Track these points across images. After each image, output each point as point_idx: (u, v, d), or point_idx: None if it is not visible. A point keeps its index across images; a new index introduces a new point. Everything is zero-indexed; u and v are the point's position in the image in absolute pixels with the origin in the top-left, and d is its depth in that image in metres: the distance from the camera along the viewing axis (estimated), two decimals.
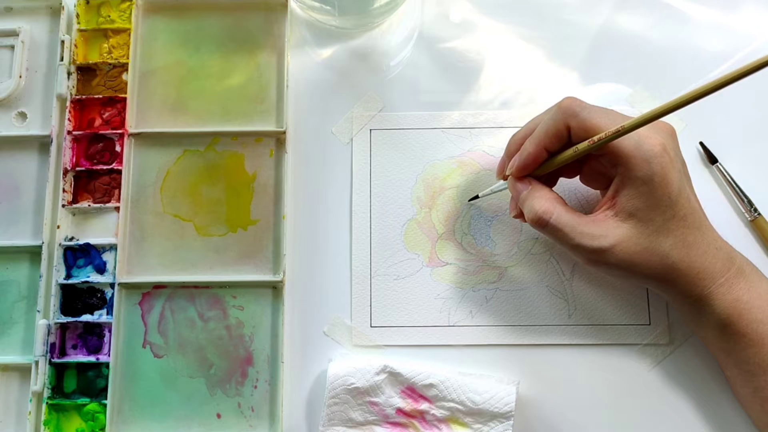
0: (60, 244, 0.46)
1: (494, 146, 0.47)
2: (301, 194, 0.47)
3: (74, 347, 0.45)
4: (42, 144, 0.48)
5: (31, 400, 0.44)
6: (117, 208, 0.46)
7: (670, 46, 0.49)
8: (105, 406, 0.43)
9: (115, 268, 0.45)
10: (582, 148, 0.38)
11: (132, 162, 0.47)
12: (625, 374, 0.44)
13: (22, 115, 0.48)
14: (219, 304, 0.45)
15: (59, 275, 0.45)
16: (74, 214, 0.47)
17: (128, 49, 0.48)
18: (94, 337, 0.45)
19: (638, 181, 0.37)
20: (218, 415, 0.44)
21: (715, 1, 0.49)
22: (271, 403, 0.44)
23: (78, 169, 0.47)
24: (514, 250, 0.46)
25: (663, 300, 0.44)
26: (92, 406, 0.44)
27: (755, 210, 0.45)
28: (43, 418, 0.43)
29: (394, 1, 0.47)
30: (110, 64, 0.48)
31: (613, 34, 0.49)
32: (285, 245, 0.45)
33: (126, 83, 0.48)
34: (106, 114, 0.48)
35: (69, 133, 0.47)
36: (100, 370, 0.45)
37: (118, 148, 0.47)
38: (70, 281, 0.45)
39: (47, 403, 0.44)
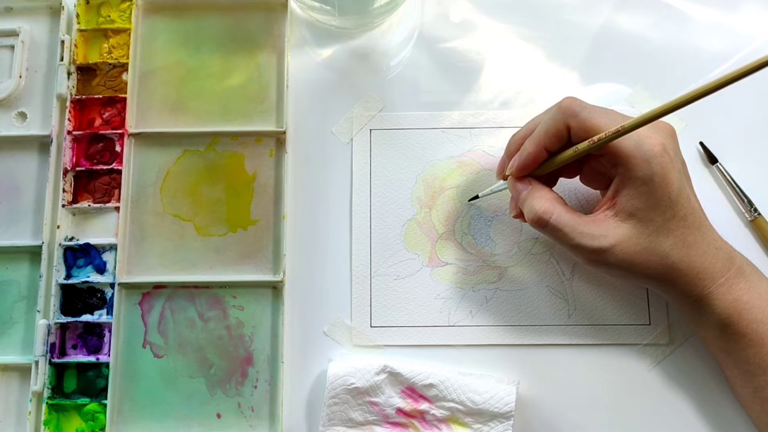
0: (60, 244, 0.46)
1: (494, 146, 0.47)
2: (301, 194, 0.47)
3: (74, 347, 0.45)
4: (42, 144, 0.48)
5: (31, 400, 0.44)
6: (117, 208, 0.46)
7: (670, 46, 0.49)
8: (105, 406, 0.43)
9: (115, 268, 0.45)
10: (582, 148, 0.38)
11: (132, 162, 0.47)
12: (625, 374, 0.44)
13: (22, 115, 0.48)
14: (219, 304, 0.45)
15: (59, 275, 0.45)
16: (74, 214, 0.47)
17: (128, 49, 0.48)
18: (94, 337, 0.45)
19: (638, 181, 0.37)
20: (218, 415, 0.44)
21: (715, 1, 0.49)
22: (271, 403, 0.44)
23: (78, 169, 0.47)
24: (514, 250, 0.46)
25: (663, 300, 0.44)
26: (92, 406, 0.44)
27: (755, 210, 0.45)
28: (43, 418, 0.43)
29: (394, 1, 0.47)
30: (110, 64, 0.48)
31: (613, 34, 0.49)
32: (285, 245, 0.45)
33: (126, 83, 0.48)
34: (106, 114, 0.48)
35: (69, 133, 0.47)
36: (100, 370, 0.45)
37: (118, 148, 0.47)
38: (70, 281, 0.45)
39: (47, 403, 0.44)
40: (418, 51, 0.49)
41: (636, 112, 0.47)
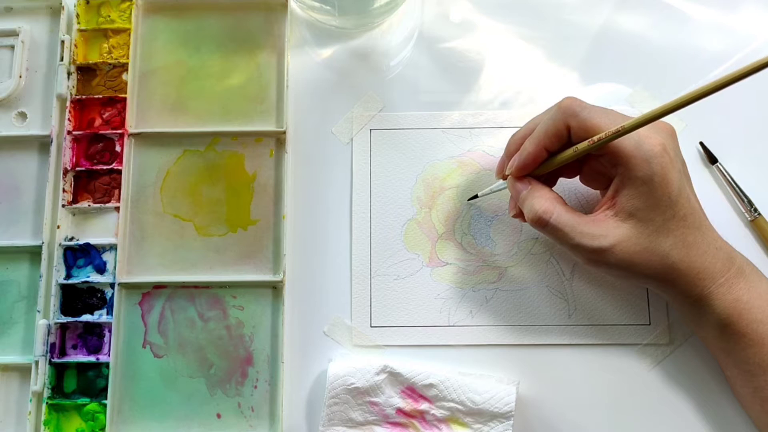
0: (60, 244, 0.46)
1: (494, 146, 0.47)
2: (301, 194, 0.47)
3: (74, 347, 0.45)
4: (42, 144, 0.48)
5: (31, 400, 0.44)
6: (117, 208, 0.46)
7: (670, 46, 0.49)
8: (105, 406, 0.43)
9: (115, 268, 0.45)
10: (582, 148, 0.38)
11: (132, 162, 0.47)
12: (625, 374, 0.44)
13: (22, 115, 0.48)
14: (219, 304, 0.45)
15: (59, 275, 0.45)
16: (74, 214, 0.47)
17: (128, 49, 0.48)
18: (94, 337, 0.45)
19: (638, 181, 0.37)
20: (218, 415, 0.44)
21: (715, 1, 0.49)
22: (271, 403, 0.44)
23: (78, 169, 0.47)
24: (514, 250, 0.46)
25: (663, 300, 0.44)
26: (92, 406, 0.44)
27: (755, 210, 0.45)
28: (43, 418, 0.43)
29: (394, 1, 0.47)
30: (110, 64, 0.48)
31: (613, 34, 0.49)
32: (285, 245, 0.45)
33: (126, 83, 0.48)
34: (106, 114, 0.48)
35: (69, 133, 0.47)
36: (100, 370, 0.45)
37: (118, 148, 0.47)
38: (70, 281, 0.45)
39: (47, 403, 0.44)
40: (418, 51, 0.49)
41: (636, 112, 0.47)
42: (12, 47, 0.49)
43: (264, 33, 0.49)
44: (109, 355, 0.44)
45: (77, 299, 0.45)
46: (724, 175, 0.46)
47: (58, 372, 0.44)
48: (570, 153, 0.39)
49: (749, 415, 0.42)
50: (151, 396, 0.44)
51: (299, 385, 0.44)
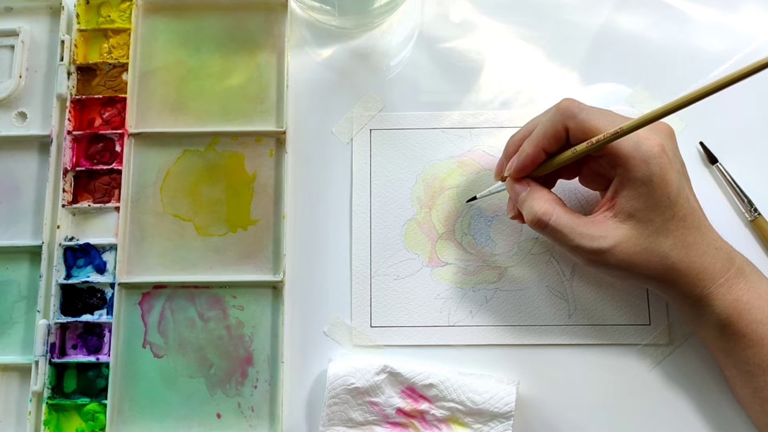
0: (60, 244, 0.46)
1: (494, 146, 0.47)
2: (301, 194, 0.47)
3: (74, 347, 0.45)
4: (42, 144, 0.48)
5: (31, 400, 0.44)
6: (117, 208, 0.46)
7: (670, 46, 0.49)
8: (105, 406, 0.43)
9: (115, 268, 0.45)
10: (580, 150, 0.38)
11: (132, 162, 0.47)
12: (625, 374, 0.44)
13: (22, 115, 0.48)
14: (219, 304, 0.45)
15: (59, 275, 0.45)
16: (74, 214, 0.47)
17: (128, 49, 0.48)
18: (94, 337, 0.45)
19: (637, 182, 0.37)
20: (218, 415, 0.44)
21: (715, 1, 0.49)
22: (271, 403, 0.44)
23: (78, 169, 0.47)
24: (514, 250, 0.46)
25: (663, 300, 0.44)
26: (92, 406, 0.44)
27: (755, 210, 0.45)
28: (43, 418, 0.43)
29: (394, 1, 0.47)
30: (110, 64, 0.48)
31: (613, 34, 0.49)
32: (285, 245, 0.45)
33: (126, 83, 0.48)
34: (106, 114, 0.48)
35: (69, 133, 0.47)
36: (100, 370, 0.45)
37: (118, 148, 0.47)
38: (70, 281, 0.45)
39: (47, 403, 0.44)
40: (418, 51, 0.49)
41: (636, 112, 0.47)
42: (12, 47, 0.49)
43: (264, 33, 0.49)
44: (109, 355, 0.44)
45: (77, 299, 0.45)
46: (724, 175, 0.46)
47: (58, 372, 0.44)
48: (568, 154, 0.39)
49: (749, 415, 0.42)
50: (151, 396, 0.44)
51: (299, 385, 0.44)
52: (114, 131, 0.47)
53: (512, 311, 0.45)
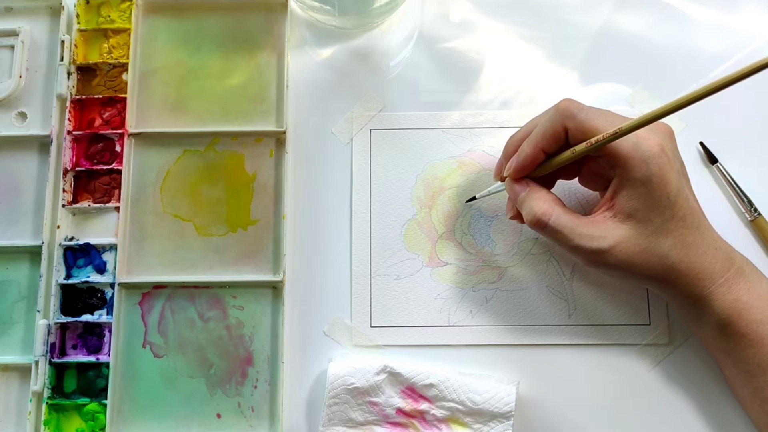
0: (60, 244, 0.46)
1: (494, 146, 0.47)
2: (301, 194, 0.47)
3: (74, 347, 0.45)
4: (42, 144, 0.48)
5: (31, 400, 0.44)
6: (117, 208, 0.46)
7: (670, 46, 0.49)
8: (105, 406, 0.43)
9: (115, 268, 0.45)
10: (580, 150, 0.38)
11: (132, 162, 0.47)
12: (625, 374, 0.44)
13: (22, 115, 0.48)
14: (219, 304, 0.45)
15: (59, 275, 0.45)
16: (74, 214, 0.47)
17: (128, 49, 0.48)
18: (94, 337, 0.45)
19: (636, 182, 0.37)
20: (218, 415, 0.44)
21: (715, 1, 0.49)
22: (271, 403, 0.44)
23: (78, 169, 0.47)
24: (514, 250, 0.46)
25: (663, 300, 0.44)
26: (92, 406, 0.44)
27: (755, 210, 0.45)
28: (43, 418, 0.43)
29: (394, 1, 0.47)
30: (110, 64, 0.48)
31: (613, 34, 0.49)
32: (285, 245, 0.45)
33: (126, 83, 0.48)
34: (106, 114, 0.48)
35: (69, 133, 0.47)
36: (100, 370, 0.45)
37: (118, 148, 0.47)
38: (70, 281, 0.45)
39: (47, 403, 0.44)
40: (418, 51, 0.49)
41: (636, 112, 0.47)
42: (12, 47, 0.49)
43: (264, 33, 0.49)
44: (109, 355, 0.44)
45: (77, 299, 0.45)
46: (724, 175, 0.46)
47: (58, 372, 0.44)
48: (568, 155, 0.39)
49: (749, 415, 0.42)
50: (151, 396, 0.44)
51: (299, 385, 0.44)
52: (114, 131, 0.47)
53: (512, 311, 0.45)
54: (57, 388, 0.44)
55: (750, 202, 0.45)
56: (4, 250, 0.46)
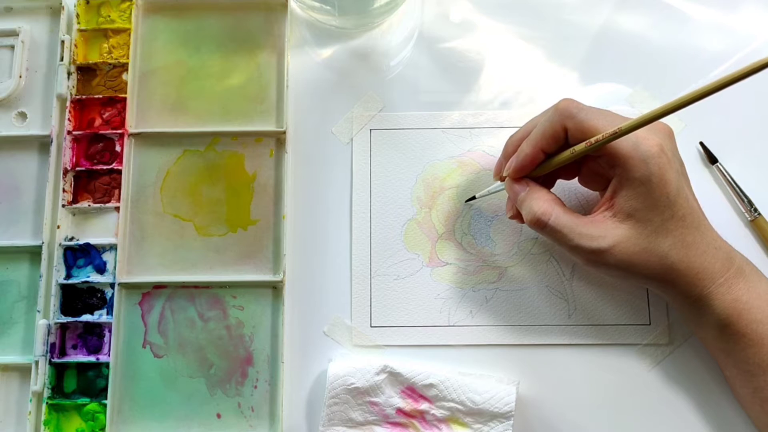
0: (60, 244, 0.46)
1: (494, 146, 0.47)
2: (301, 194, 0.47)
3: (74, 347, 0.45)
4: (42, 144, 0.48)
5: (31, 400, 0.44)
6: (117, 208, 0.46)
7: (670, 46, 0.49)
8: (105, 406, 0.43)
9: (115, 268, 0.45)
10: (579, 150, 0.38)
11: (132, 162, 0.47)
12: (625, 374, 0.44)
13: (22, 115, 0.48)
14: (219, 304, 0.45)
15: (59, 275, 0.45)
16: (74, 214, 0.47)
17: (128, 49, 0.48)
18: (94, 337, 0.45)
19: (636, 181, 0.37)
20: (218, 415, 0.44)
21: (715, 1, 0.49)
22: (271, 403, 0.44)
23: (78, 169, 0.47)
24: (514, 250, 0.46)
25: (663, 300, 0.44)
26: (92, 406, 0.44)
27: (755, 210, 0.45)
28: (43, 418, 0.43)
29: (394, 1, 0.47)
30: (110, 64, 0.48)
31: (613, 34, 0.49)
32: (285, 245, 0.45)
33: (126, 83, 0.48)
34: (106, 114, 0.48)
35: (69, 133, 0.47)
36: (100, 370, 0.45)
37: (118, 148, 0.47)
38: (70, 281, 0.45)
39: (47, 403, 0.44)
40: (418, 51, 0.49)
41: (636, 112, 0.47)
42: (12, 47, 0.49)
43: (264, 33, 0.49)
44: (109, 355, 0.44)
45: (77, 299, 0.45)
46: (724, 175, 0.46)
47: (58, 372, 0.44)
48: (567, 155, 0.39)
49: (749, 415, 0.42)
50: (151, 396, 0.44)
51: (299, 385, 0.44)
52: (114, 131, 0.47)
53: (512, 311, 0.45)
54: (57, 388, 0.44)
55: (750, 202, 0.45)
56: (4, 250, 0.46)
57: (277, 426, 0.43)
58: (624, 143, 0.37)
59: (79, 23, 0.49)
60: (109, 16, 0.49)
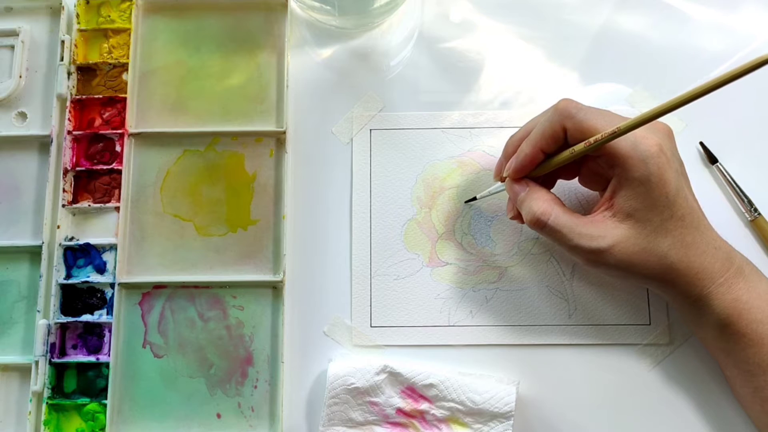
0: (60, 244, 0.46)
1: (494, 146, 0.47)
2: (301, 194, 0.47)
3: (74, 347, 0.45)
4: (42, 144, 0.48)
5: (31, 400, 0.44)
6: (117, 208, 0.46)
7: (670, 46, 0.49)
8: (105, 406, 0.43)
9: (115, 268, 0.45)
10: (578, 150, 0.38)
11: (132, 162, 0.47)
12: (625, 374, 0.44)
13: (22, 115, 0.48)
14: (219, 304, 0.45)
15: (59, 275, 0.45)
16: (74, 214, 0.47)
17: (128, 49, 0.48)
18: (94, 337, 0.45)
19: (635, 181, 0.37)
20: (218, 415, 0.44)
21: (715, 1, 0.49)
22: (271, 403, 0.44)
23: (78, 169, 0.47)
24: (514, 250, 0.46)
25: (663, 300, 0.44)
26: (92, 406, 0.44)
27: (755, 210, 0.45)
28: (43, 418, 0.43)
29: (394, 1, 0.47)
30: (110, 64, 0.48)
31: (613, 34, 0.49)
32: (285, 245, 0.45)
33: (126, 83, 0.48)
34: (106, 114, 0.48)
35: (69, 133, 0.47)
36: (100, 370, 0.45)
37: (118, 148, 0.47)
38: (70, 281, 0.45)
39: (47, 403, 0.44)
40: (418, 51, 0.49)
41: (636, 112, 0.47)
42: (12, 47, 0.49)
43: (264, 33, 0.49)
44: (109, 355, 0.44)
45: (77, 299, 0.45)
46: (724, 175, 0.46)
47: (58, 372, 0.44)
48: (567, 155, 0.39)
49: (749, 415, 0.42)
50: (151, 396, 0.44)
51: (299, 385, 0.44)
52: (114, 131, 0.47)
53: (512, 311, 0.45)
54: (57, 388, 0.44)
55: (750, 202, 0.45)
56: (4, 250, 0.46)
57: (277, 426, 0.43)
58: (623, 143, 0.37)
59: (79, 23, 0.49)
60: (109, 16, 0.49)
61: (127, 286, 0.45)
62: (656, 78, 0.48)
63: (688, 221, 0.38)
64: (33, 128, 0.48)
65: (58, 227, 0.46)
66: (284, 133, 0.47)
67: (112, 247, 0.46)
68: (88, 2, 0.49)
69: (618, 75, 0.48)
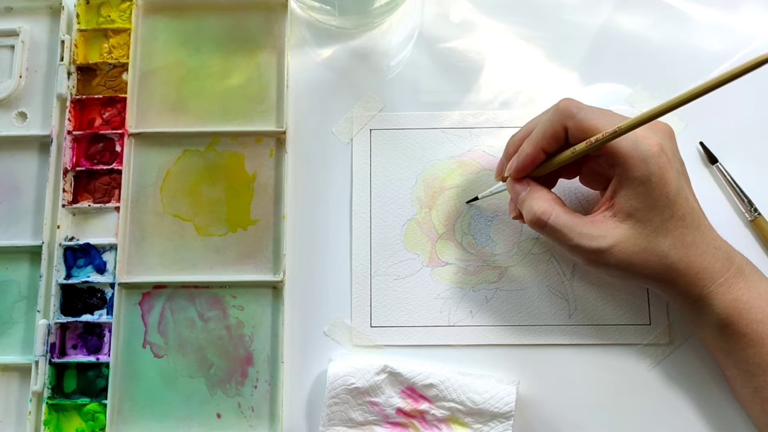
0: (60, 244, 0.46)
1: (494, 146, 0.47)
2: (301, 194, 0.47)
3: (74, 347, 0.45)
4: (42, 144, 0.48)
5: (31, 400, 0.44)
6: (117, 208, 0.46)
7: (670, 46, 0.49)
8: (105, 406, 0.43)
9: (115, 268, 0.45)
10: (579, 149, 0.38)
11: (132, 162, 0.47)
12: (625, 374, 0.44)
13: (22, 115, 0.48)
14: (219, 304, 0.45)
15: (59, 275, 0.45)
16: (74, 214, 0.47)
17: (128, 49, 0.48)
18: (94, 337, 0.45)
19: (636, 181, 0.37)
20: (218, 415, 0.44)
21: (715, 1, 0.49)
22: (271, 403, 0.44)
23: (78, 169, 0.47)
24: (514, 250, 0.46)
25: (663, 300, 0.44)
26: (92, 406, 0.44)
27: (755, 210, 0.45)
28: (43, 418, 0.43)
29: (394, 1, 0.47)
30: (110, 64, 0.48)
31: (613, 34, 0.49)
32: (285, 245, 0.45)
33: (126, 83, 0.48)
34: (106, 114, 0.48)
35: (69, 133, 0.47)
36: (100, 370, 0.45)
37: (118, 148, 0.47)
38: (70, 281, 0.45)
39: (47, 403, 0.44)
40: (418, 51, 0.49)
41: (636, 112, 0.47)
42: (12, 47, 0.49)
43: (264, 33, 0.49)
44: (109, 355, 0.44)
45: (77, 299, 0.45)
46: (724, 175, 0.46)
47: (58, 372, 0.44)
48: (568, 154, 0.39)
49: (749, 415, 0.42)
50: (151, 396, 0.44)
51: (299, 385, 0.44)
52: (114, 131, 0.47)
53: (512, 311, 0.45)
54: (57, 388, 0.44)
55: (750, 202, 0.45)
56: (4, 250, 0.46)
57: (277, 426, 0.43)
58: (624, 143, 0.37)
59: (79, 23, 0.49)
60: (109, 16, 0.49)
61: (127, 286, 0.45)
62: (656, 78, 0.48)
63: (689, 221, 0.38)
64: (33, 128, 0.48)
65: (58, 227, 0.46)
66: (284, 133, 0.47)
67: (112, 247, 0.46)
68: (88, 2, 0.49)
69: (618, 75, 0.48)
